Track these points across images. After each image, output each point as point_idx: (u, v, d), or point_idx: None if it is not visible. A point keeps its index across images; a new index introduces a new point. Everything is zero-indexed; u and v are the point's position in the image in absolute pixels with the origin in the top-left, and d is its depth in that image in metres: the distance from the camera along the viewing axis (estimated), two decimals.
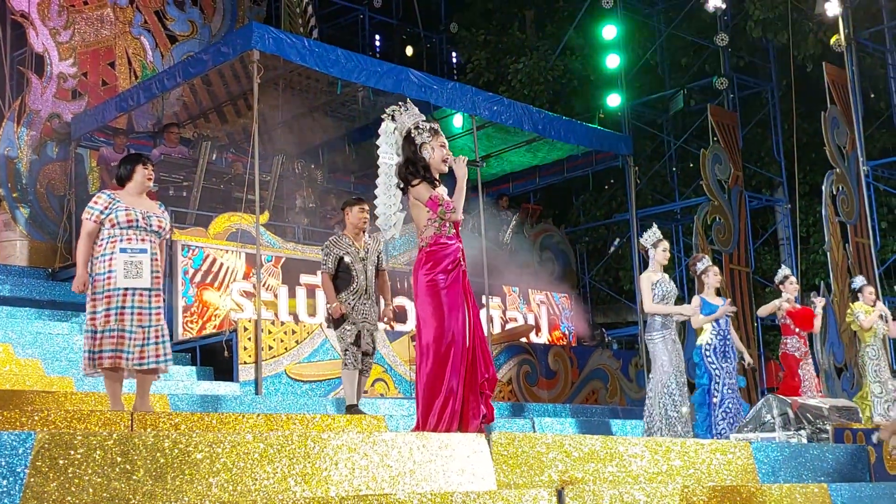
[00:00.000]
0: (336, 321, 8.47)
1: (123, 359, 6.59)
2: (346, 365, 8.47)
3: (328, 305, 8.56)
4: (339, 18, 21.73)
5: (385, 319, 8.79)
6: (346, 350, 8.44)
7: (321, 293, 11.94)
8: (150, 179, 6.97)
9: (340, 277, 8.53)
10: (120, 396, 6.78)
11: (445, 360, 5.79)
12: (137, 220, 6.74)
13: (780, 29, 17.58)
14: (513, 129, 14.31)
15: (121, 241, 6.68)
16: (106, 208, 6.75)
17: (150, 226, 6.81)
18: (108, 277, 6.63)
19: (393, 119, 6.19)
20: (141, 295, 6.68)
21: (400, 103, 6.22)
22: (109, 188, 7.02)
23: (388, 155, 6.16)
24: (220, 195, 13.67)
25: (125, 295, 6.62)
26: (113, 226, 6.71)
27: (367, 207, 8.65)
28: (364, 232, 8.75)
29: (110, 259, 6.66)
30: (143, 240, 6.74)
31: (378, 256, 8.76)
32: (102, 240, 6.74)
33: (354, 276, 8.50)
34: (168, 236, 7.12)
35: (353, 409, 8.33)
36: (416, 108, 6.22)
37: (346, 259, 8.50)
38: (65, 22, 15.51)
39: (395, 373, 11.71)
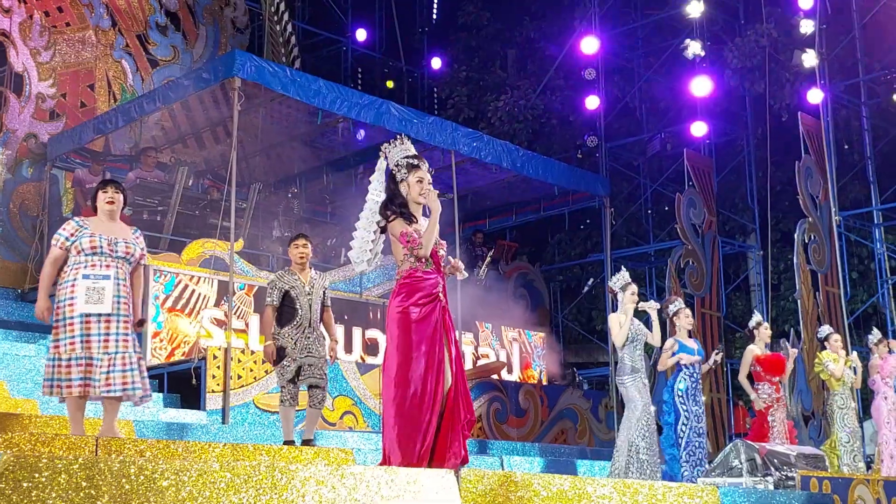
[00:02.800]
0: (278, 356, 8.47)
1: (92, 387, 6.50)
2: (282, 401, 8.52)
3: (275, 334, 8.55)
4: (321, 49, 21.83)
5: (331, 356, 8.79)
6: (283, 387, 8.47)
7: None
8: (110, 203, 6.84)
9: (284, 311, 8.54)
10: (82, 422, 6.68)
11: (412, 395, 5.74)
12: (101, 247, 6.65)
13: (758, 78, 17.78)
14: (491, 165, 14.36)
15: (84, 267, 6.61)
16: (72, 235, 6.68)
17: (116, 252, 6.71)
18: (70, 304, 6.54)
19: (385, 158, 6.21)
20: (107, 321, 6.58)
21: (392, 140, 6.23)
22: (83, 210, 6.96)
23: (377, 192, 6.18)
24: (196, 221, 13.61)
25: (88, 322, 6.52)
26: (78, 253, 6.64)
27: (302, 243, 8.71)
28: (309, 267, 8.79)
29: (72, 285, 6.57)
30: (107, 266, 6.65)
31: (324, 292, 8.78)
32: (68, 267, 6.69)
33: (298, 310, 8.52)
34: (143, 262, 7.01)
35: (289, 445, 8.31)
36: (409, 144, 6.22)
37: (291, 293, 8.53)
38: (46, 42, 15.49)
39: (365, 406, 11.66)
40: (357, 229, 6.22)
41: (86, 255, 6.64)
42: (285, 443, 8.43)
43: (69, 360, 6.47)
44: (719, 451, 9.70)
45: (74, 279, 6.60)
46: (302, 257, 8.71)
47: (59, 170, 14.73)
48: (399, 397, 5.76)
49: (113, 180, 7.20)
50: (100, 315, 6.56)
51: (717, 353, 10.77)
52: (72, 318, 6.53)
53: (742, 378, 11.36)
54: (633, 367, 9.47)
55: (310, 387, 8.52)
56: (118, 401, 6.72)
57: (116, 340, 6.62)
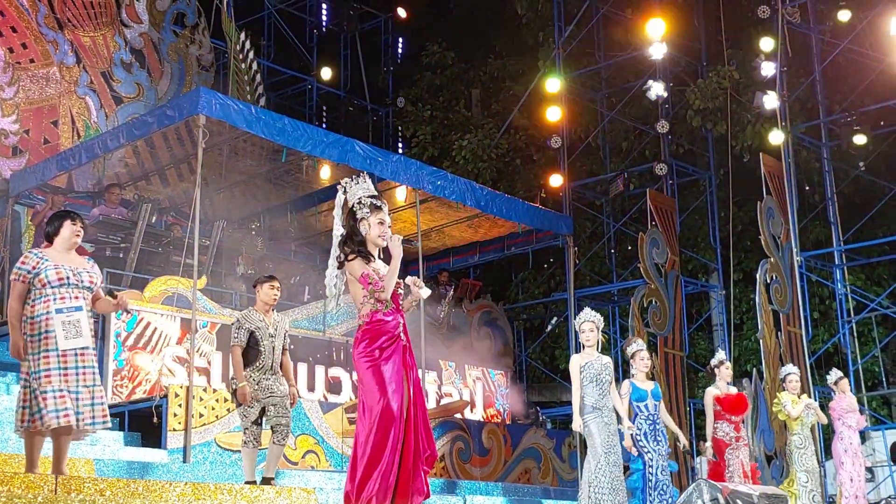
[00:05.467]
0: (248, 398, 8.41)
1: (73, 419, 6.39)
2: (245, 443, 8.48)
3: (234, 381, 8.49)
4: (286, 87, 21.90)
5: (292, 401, 8.72)
6: (247, 429, 8.42)
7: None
8: (78, 235, 6.79)
9: (248, 352, 8.49)
10: (38, 459, 6.59)
11: (388, 437, 5.75)
12: (69, 278, 6.58)
13: (719, 119, 17.98)
14: (455, 204, 14.40)
15: (54, 300, 6.50)
16: (34, 268, 6.57)
17: (82, 282, 6.66)
18: (45, 338, 6.44)
19: (345, 191, 6.24)
20: (83, 355, 6.53)
21: (354, 176, 6.27)
22: (43, 246, 6.87)
23: (337, 227, 6.21)
24: (158, 258, 13.52)
25: (65, 355, 6.46)
26: (44, 285, 6.53)
27: (276, 285, 8.71)
28: (273, 309, 8.76)
29: (46, 319, 6.47)
30: (76, 297, 6.59)
31: (284, 335, 8.75)
32: (35, 300, 6.54)
33: (262, 352, 8.48)
34: (100, 289, 6.94)
35: (251, 485, 8.25)
36: (369, 182, 6.26)
37: (256, 334, 8.49)
38: (9, 78, 15.42)
39: (328, 445, 11.58)
40: (329, 266, 6.25)
41: (52, 287, 6.54)
42: (246, 482, 8.36)
43: (45, 392, 6.35)
44: (682, 492, 9.68)
45: (47, 313, 6.49)
46: (275, 299, 8.68)
47: (21, 206, 14.61)
48: (377, 438, 5.77)
49: (77, 213, 7.14)
50: (77, 349, 6.51)
51: (682, 445, 10.70)
52: (47, 350, 6.43)
53: (708, 422, 11.34)
54: (595, 406, 9.40)
55: (274, 424, 8.46)
56: (70, 437, 6.64)
57: (93, 373, 6.60)
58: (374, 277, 5.98)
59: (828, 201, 18.09)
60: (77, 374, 6.49)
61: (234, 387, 8.49)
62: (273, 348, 8.56)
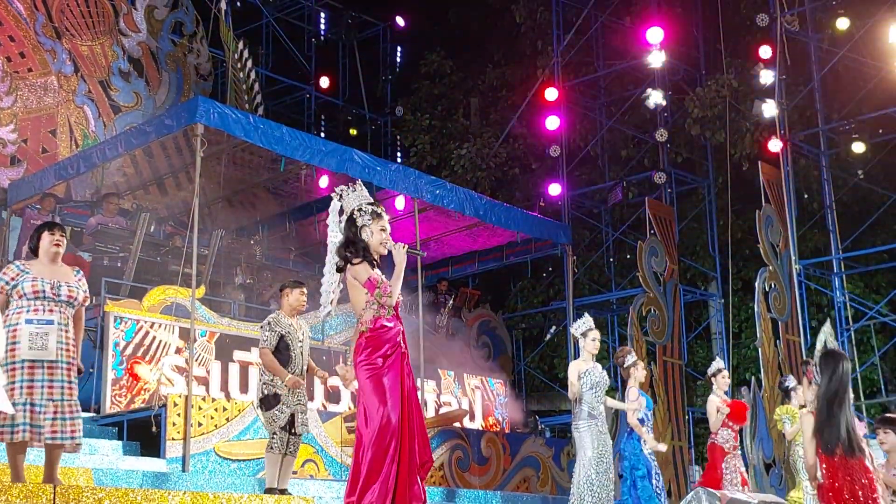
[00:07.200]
0: (270, 403, 8.33)
1: (37, 433, 6.38)
2: (271, 448, 8.35)
3: (265, 385, 8.39)
4: (285, 97, 21.93)
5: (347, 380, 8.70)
6: (275, 433, 8.33)
7: (253, 371, 11.82)
8: (57, 245, 6.77)
9: (278, 358, 8.38)
10: (23, 469, 6.57)
11: (388, 446, 5.75)
12: (45, 291, 6.57)
13: (718, 128, 17.98)
14: (454, 213, 14.40)
15: (27, 311, 6.52)
16: (13, 279, 6.59)
17: (59, 296, 6.63)
18: (13, 349, 6.43)
19: (340, 198, 6.24)
20: (50, 368, 6.49)
21: (350, 184, 6.27)
22: (24, 257, 6.88)
23: (333, 233, 6.20)
24: (157, 267, 13.51)
25: (32, 367, 6.43)
26: (20, 297, 6.55)
27: (305, 291, 8.66)
28: (299, 315, 8.73)
29: (15, 330, 6.47)
30: (50, 310, 6.57)
31: (308, 340, 8.72)
32: (9, 312, 6.57)
33: (292, 357, 8.41)
34: (85, 304, 6.88)
35: (272, 493, 8.20)
36: (365, 191, 6.27)
37: (287, 339, 8.42)
38: (8, 88, 15.43)
39: (326, 454, 11.55)
40: (325, 274, 6.24)
41: (28, 299, 6.55)
42: (267, 490, 8.27)
43: (12, 405, 6.29)
44: (681, 500, 9.67)
45: (17, 324, 6.50)
46: (303, 305, 8.64)
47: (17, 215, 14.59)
48: (378, 448, 5.76)
49: (57, 223, 7.14)
50: (44, 361, 6.48)
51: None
52: (13, 363, 6.41)
53: (713, 429, 11.28)
54: (591, 414, 9.39)
55: (294, 435, 8.41)
56: (62, 448, 6.62)
57: (62, 387, 6.54)
58: (382, 282, 5.98)
59: (826, 209, 18.06)
60: (42, 387, 6.45)
61: (265, 391, 8.37)
62: (302, 353, 8.52)
